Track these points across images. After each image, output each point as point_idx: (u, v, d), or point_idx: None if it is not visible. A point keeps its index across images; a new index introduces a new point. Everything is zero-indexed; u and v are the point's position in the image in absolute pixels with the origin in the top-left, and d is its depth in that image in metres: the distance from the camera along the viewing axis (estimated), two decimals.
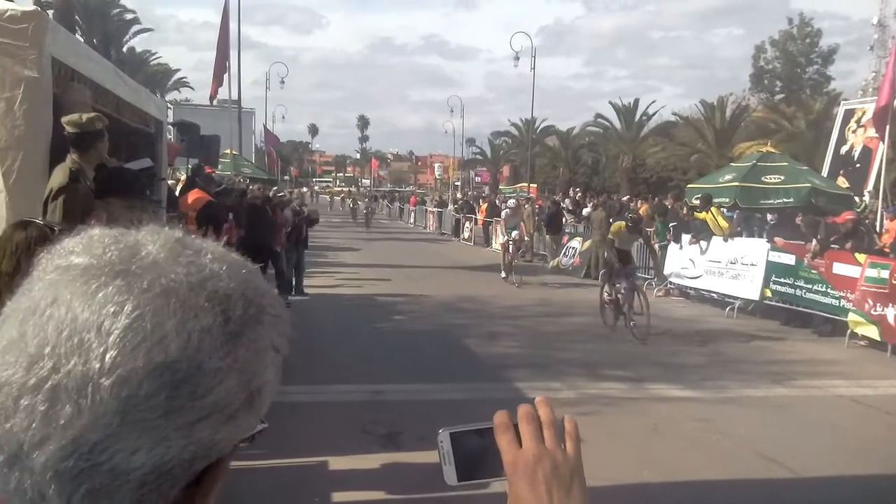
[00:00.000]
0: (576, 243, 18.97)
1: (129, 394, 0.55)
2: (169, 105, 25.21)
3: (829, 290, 11.01)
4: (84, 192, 3.96)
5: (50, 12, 34.98)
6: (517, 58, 35.37)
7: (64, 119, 4.24)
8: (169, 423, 0.57)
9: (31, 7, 4.45)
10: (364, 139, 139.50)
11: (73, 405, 0.55)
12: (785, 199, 14.47)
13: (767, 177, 14.70)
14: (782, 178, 14.64)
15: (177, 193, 9.70)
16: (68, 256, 0.61)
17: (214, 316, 0.59)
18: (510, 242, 16.62)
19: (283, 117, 57.75)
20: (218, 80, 21.46)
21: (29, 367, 0.56)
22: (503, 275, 16.48)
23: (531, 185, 40.39)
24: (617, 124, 47.64)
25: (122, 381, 0.55)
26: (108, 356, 0.55)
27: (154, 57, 58.40)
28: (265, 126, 40.49)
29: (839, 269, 10.91)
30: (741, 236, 14.16)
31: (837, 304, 10.80)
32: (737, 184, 14.66)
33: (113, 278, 0.58)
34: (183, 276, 0.60)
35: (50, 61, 4.27)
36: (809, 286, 11.41)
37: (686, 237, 14.25)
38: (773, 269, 12.17)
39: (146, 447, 0.56)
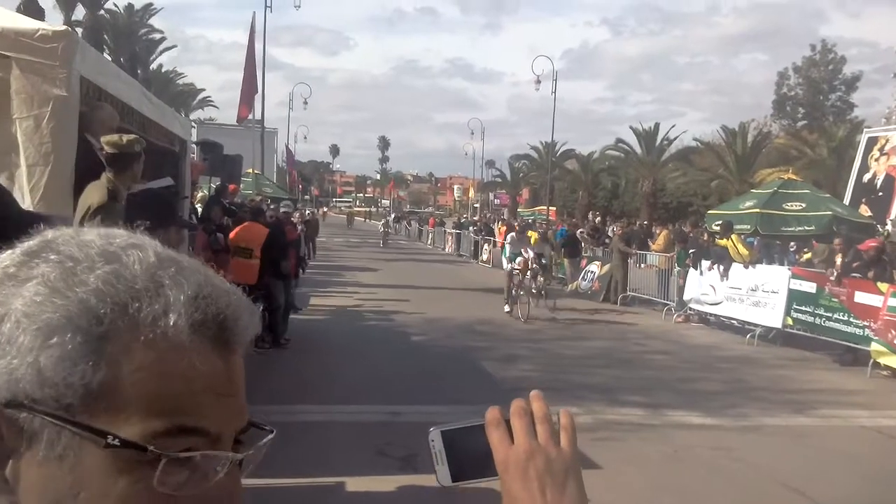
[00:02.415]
0: (594, 267, 18.90)
1: None
2: (193, 124, 25.51)
3: (851, 319, 10.88)
4: (120, 212, 4.01)
5: (79, 31, 35.59)
6: (538, 81, 35.52)
7: (104, 138, 4.31)
8: None
9: (62, 26, 4.52)
10: (384, 160, 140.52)
11: None
12: (806, 227, 14.37)
13: (789, 204, 14.62)
14: (804, 205, 14.54)
15: (199, 213, 9.78)
16: None
17: None
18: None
19: (305, 137, 58.52)
20: (247, 103, 21.63)
21: None
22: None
23: (550, 208, 40.38)
24: (637, 149, 47.56)
25: None
26: None
27: (180, 76, 59.28)
28: (287, 147, 40.93)
29: (861, 297, 10.78)
30: (762, 263, 14.04)
31: (860, 334, 10.67)
32: (758, 210, 14.57)
33: None
34: None
35: (79, 80, 4.33)
36: (830, 314, 11.28)
37: (706, 263, 14.16)
38: (794, 296, 12.05)
39: None
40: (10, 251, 0.61)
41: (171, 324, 0.58)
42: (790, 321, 12.09)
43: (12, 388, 0.56)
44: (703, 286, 14.18)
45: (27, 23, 4.37)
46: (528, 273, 14.30)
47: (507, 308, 14.41)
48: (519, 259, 14.37)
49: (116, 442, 0.55)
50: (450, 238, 37.13)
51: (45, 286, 0.57)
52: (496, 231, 29.63)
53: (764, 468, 6.16)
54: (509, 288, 14.51)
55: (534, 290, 14.55)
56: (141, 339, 0.57)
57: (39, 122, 4.16)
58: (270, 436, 0.67)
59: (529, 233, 19.55)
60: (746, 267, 13.29)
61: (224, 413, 0.61)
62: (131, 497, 0.56)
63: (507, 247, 15.28)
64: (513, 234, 15.73)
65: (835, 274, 11.36)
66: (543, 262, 15.77)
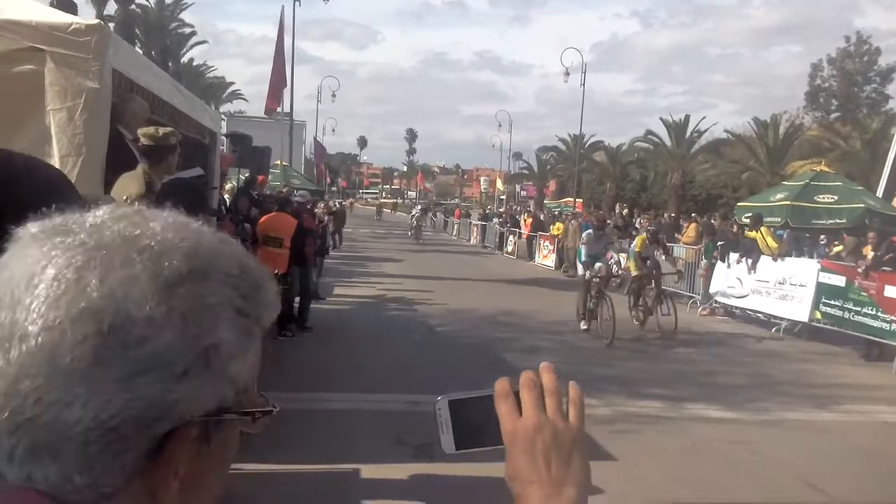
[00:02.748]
0: (620, 259, 18.75)
1: (54, 341, 0.55)
2: (223, 116, 25.74)
3: (879, 314, 10.77)
4: (156, 203, 4.13)
5: (112, 25, 36.02)
6: (567, 73, 35.43)
7: (141, 130, 4.43)
8: (102, 372, 0.56)
9: (94, 20, 4.62)
10: (412, 152, 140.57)
11: (3, 356, 0.56)
12: (837, 220, 14.19)
13: (820, 196, 14.43)
14: (836, 197, 14.36)
15: (228, 204, 9.93)
16: (26, 229, 0.62)
17: (144, 266, 0.58)
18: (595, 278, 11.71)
19: (334, 130, 58.74)
20: (275, 96, 21.76)
21: None
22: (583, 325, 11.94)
23: (577, 200, 40.17)
24: (667, 141, 47.06)
25: (46, 329, 0.55)
26: (33, 305, 0.56)
27: (210, 69, 59.82)
28: (315, 139, 41.14)
29: (891, 291, 10.67)
30: (791, 256, 13.91)
31: (887, 328, 10.56)
32: (788, 203, 14.42)
33: (52, 237, 0.60)
34: (117, 232, 0.60)
35: (111, 73, 4.42)
36: (859, 309, 11.18)
37: (734, 256, 14.06)
38: (822, 290, 11.94)
39: (81, 399, 0.56)
40: (150, 265, 0.59)
41: (270, 319, 0.68)
42: (818, 315, 11.99)
43: (211, 404, 0.62)
44: (730, 279, 14.09)
45: (61, 17, 4.46)
46: (611, 281, 12.26)
47: (582, 325, 11.82)
48: (599, 265, 11.65)
49: (273, 408, 0.69)
50: (475, 229, 37.12)
51: (235, 311, 0.62)
52: (522, 223, 29.58)
53: (784, 462, 6.15)
54: (585, 300, 11.82)
55: (638, 315, 12.46)
56: (261, 335, 0.67)
57: (72, 114, 4.26)
58: None
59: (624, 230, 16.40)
60: (775, 260, 13.18)
61: None
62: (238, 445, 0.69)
63: (583, 248, 12.22)
64: (589, 231, 12.67)
65: (863, 267, 11.25)
66: (652, 265, 12.66)
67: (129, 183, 4.30)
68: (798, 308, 12.34)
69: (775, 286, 12.96)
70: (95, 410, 0.56)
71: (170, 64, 47.77)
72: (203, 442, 0.62)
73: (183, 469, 0.61)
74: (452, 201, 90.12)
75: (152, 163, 4.39)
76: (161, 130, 4.49)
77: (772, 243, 13.67)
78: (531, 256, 25.86)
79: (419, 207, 44.51)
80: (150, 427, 0.58)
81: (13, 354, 0.56)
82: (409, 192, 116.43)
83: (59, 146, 4.29)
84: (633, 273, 12.48)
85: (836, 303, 11.66)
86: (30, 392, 0.56)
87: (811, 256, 15.27)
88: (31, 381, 0.56)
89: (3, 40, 4.15)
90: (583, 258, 12.06)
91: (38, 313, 0.56)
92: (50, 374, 0.55)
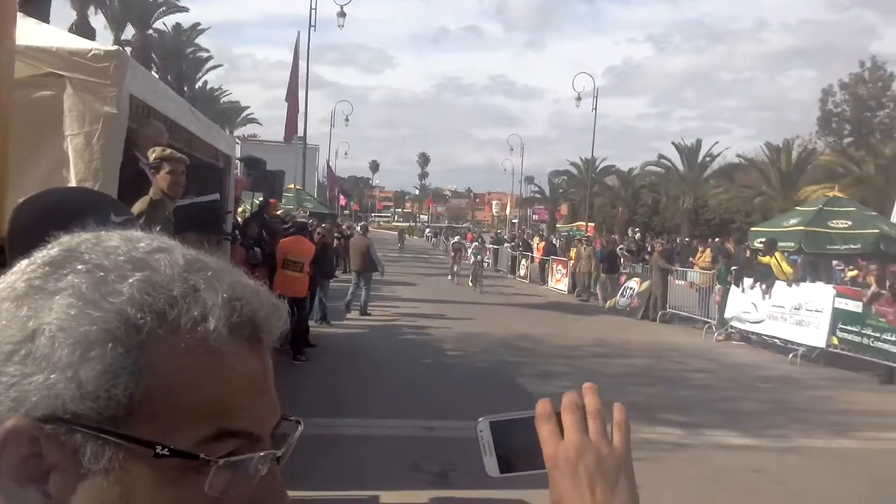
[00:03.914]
0: (633, 284, 18.74)
1: None
2: (237, 140, 25.92)
3: None
4: (160, 219, 4.14)
5: (129, 50, 36.45)
6: (579, 98, 35.51)
7: (150, 150, 4.47)
8: None
9: (113, 46, 4.65)
10: (424, 175, 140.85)
11: None
12: (852, 246, 14.08)
13: (834, 222, 14.35)
14: (850, 223, 14.27)
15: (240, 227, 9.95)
16: None
17: None
18: None
19: (346, 154, 59.09)
20: (292, 126, 21.84)
21: None
22: None
23: (589, 224, 40.13)
24: (679, 165, 47.10)
25: None
26: None
27: (225, 94, 60.49)
28: (328, 164, 41.43)
29: None
30: (806, 281, 13.82)
31: None
32: (802, 228, 14.34)
33: None
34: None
35: (128, 98, 4.45)
36: (878, 334, 11.05)
37: (748, 280, 13.96)
38: (839, 315, 11.82)
39: None
40: (29, 261, 0.59)
41: (211, 328, 0.57)
42: (835, 340, 11.86)
43: (51, 403, 0.53)
44: (745, 304, 13.98)
45: (80, 43, 4.49)
46: None
47: None
48: None
49: (166, 452, 0.54)
50: (488, 253, 37.02)
51: (78, 298, 0.55)
52: (534, 247, 29.52)
53: (805, 492, 6.05)
54: None
55: None
56: (181, 346, 0.56)
57: (90, 140, 4.27)
58: (300, 427, 0.67)
59: None
60: (790, 285, 13.08)
61: (262, 411, 0.61)
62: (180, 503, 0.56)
63: None
64: None
65: (868, 294, 11.20)
66: None
67: (137, 204, 4.33)
68: (815, 334, 12.22)
69: (791, 311, 12.85)
70: None
71: (185, 88, 48.31)
72: (56, 450, 0.54)
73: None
74: (464, 225, 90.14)
75: (161, 176, 4.41)
76: (168, 150, 4.54)
77: (786, 268, 13.57)
78: (544, 280, 25.79)
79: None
80: None
81: None
82: (422, 216, 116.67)
83: (76, 171, 4.31)
84: None
85: (854, 328, 11.54)
86: None
87: (827, 282, 15.15)
88: None
89: (24, 66, 4.17)
90: None
91: None
92: None
